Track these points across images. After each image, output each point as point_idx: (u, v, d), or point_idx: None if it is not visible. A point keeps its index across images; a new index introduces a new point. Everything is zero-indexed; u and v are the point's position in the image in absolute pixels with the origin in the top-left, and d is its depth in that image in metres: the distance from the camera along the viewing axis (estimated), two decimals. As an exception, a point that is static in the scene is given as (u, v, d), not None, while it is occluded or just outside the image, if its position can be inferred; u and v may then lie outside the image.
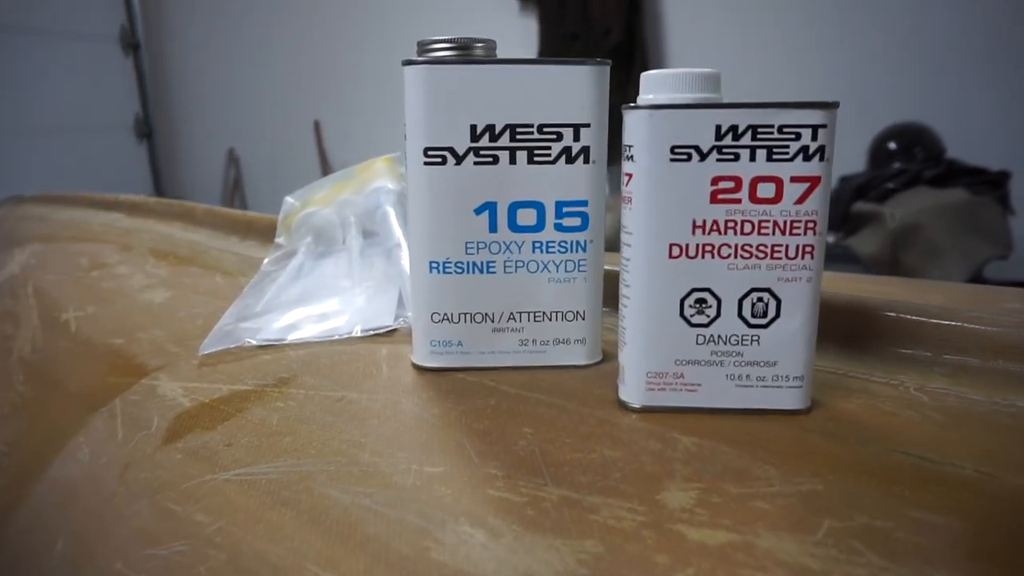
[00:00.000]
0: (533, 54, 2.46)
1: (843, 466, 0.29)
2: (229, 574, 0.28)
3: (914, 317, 0.40)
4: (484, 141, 0.37)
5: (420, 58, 0.37)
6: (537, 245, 0.38)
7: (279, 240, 0.65)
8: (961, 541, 0.24)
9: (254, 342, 0.46)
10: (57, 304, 0.62)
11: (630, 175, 0.32)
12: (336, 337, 0.46)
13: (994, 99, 2.00)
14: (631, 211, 0.32)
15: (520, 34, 2.52)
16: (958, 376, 0.37)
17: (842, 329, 0.42)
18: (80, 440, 0.42)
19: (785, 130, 0.30)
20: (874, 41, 2.08)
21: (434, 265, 0.38)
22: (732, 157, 0.31)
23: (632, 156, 0.32)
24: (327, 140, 2.97)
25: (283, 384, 0.41)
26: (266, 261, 0.61)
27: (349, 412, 0.37)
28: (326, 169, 2.80)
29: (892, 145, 2.04)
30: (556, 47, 2.48)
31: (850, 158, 2.03)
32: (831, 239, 2.05)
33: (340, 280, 0.55)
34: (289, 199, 0.68)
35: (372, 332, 0.46)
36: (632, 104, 0.32)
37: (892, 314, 0.40)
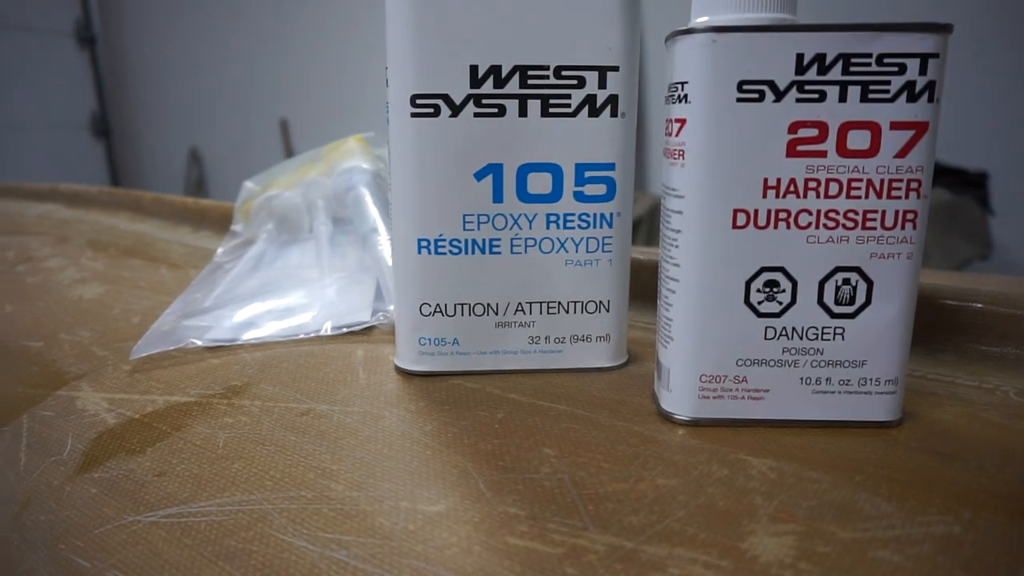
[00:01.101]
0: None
1: (973, 498, 0.22)
2: (147, 663, 0.20)
3: (1002, 309, 0.33)
4: (487, 87, 0.29)
5: (407, -19, 0.29)
6: (552, 219, 0.31)
7: (235, 227, 0.56)
8: None
9: (200, 343, 0.38)
10: (-29, 302, 0.53)
11: (682, 122, 0.25)
12: (302, 336, 0.38)
13: (974, 99, 1.98)
14: (683, 170, 0.25)
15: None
16: (1060, 377, 0.31)
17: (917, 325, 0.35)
18: (-28, 468, 0.33)
19: (886, 61, 0.24)
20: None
21: (424, 244, 0.31)
22: (817, 97, 0.24)
23: (686, 96, 0.25)
24: (295, 140, 2.86)
25: (234, 394, 0.33)
26: (219, 251, 0.53)
27: (317, 430, 0.29)
28: (293, 169, 2.68)
29: (873, 145, 2.02)
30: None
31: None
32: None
33: (307, 271, 0.47)
34: (248, 183, 0.60)
35: (345, 330, 0.38)
36: (683, 29, 0.24)
37: (977, 305, 0.33)
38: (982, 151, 1.92)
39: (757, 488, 0.23)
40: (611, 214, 0.31)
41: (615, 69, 0.30)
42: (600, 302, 0.32)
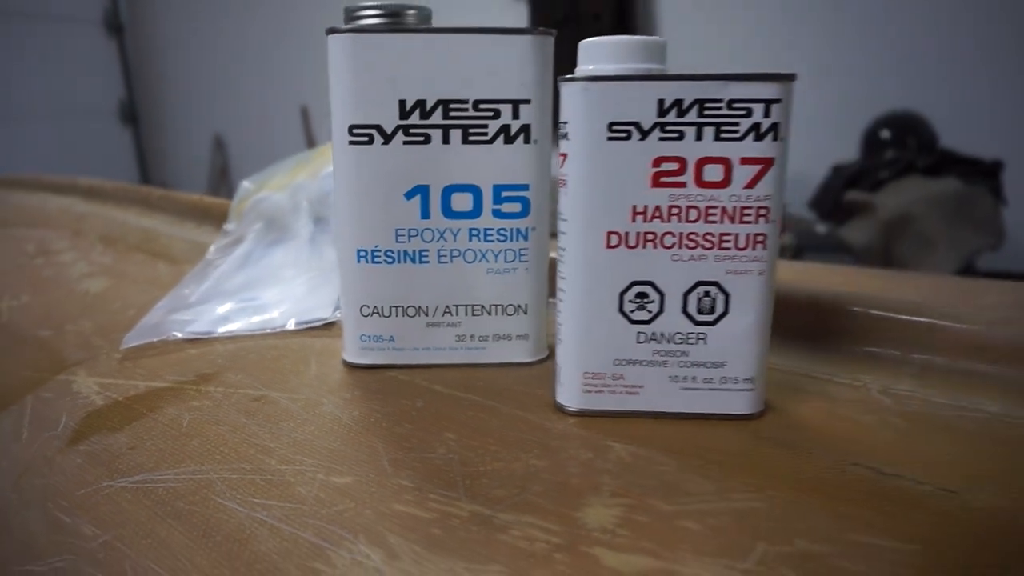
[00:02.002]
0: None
1: (789, 480, 0.26)
2: (104, 596, 0.25)
3: (881, 313, 0.37)
4: (414, 118, 0.34)
5: (345, 26, 0.34)
6: (474, 233, 0.35)
7: (227, 226, 0.61)
8: (915, 573, 0.21)
9: (181, 335, 0.43)
10: (-7, 292, 0.59)
11: (564, 156, 0.29)
12: (268, 331, 0.43)
13: (989, 88, 1.96)
14: (566, 195, 0.29)
15: (512, 20, 2.47)
16: (926, 377, 0.35)
17: (803, 325, 0.39)
18: (-16, 440, 0.39)
19: (735, 105, 0.27)
20: (869, 28, 2.04)
21: (362, 254, 0.35)
22: (676, 136, 0.28)
23: (567, 134, 0.29)
24: (315, 126, 2.92)
25: (204, 381, 0.38)
26: (212, 249, 0.58)
27: (265, 413, 0.34)
28: (314, 155, 2.75)
29: (885, 134, 2.01)
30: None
31: (842, 147, 2.00)
32: (822, 229, 2.03)
33: (286, 269, 0.52)
34: (245, 183, 0.65)
35: (307, 325, 0.43)
36: (566, 76, 0.28)
37: (858, 309, 0.37)
38: (998, 141, 1.90)
39: (610, 469, 0.27)
40: (526, 229, 0.35)
41: (527, 102, 0.34)
42: (518, 305, 0.36)
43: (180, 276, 0.57)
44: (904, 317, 0.37)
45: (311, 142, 2.92)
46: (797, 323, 0.39)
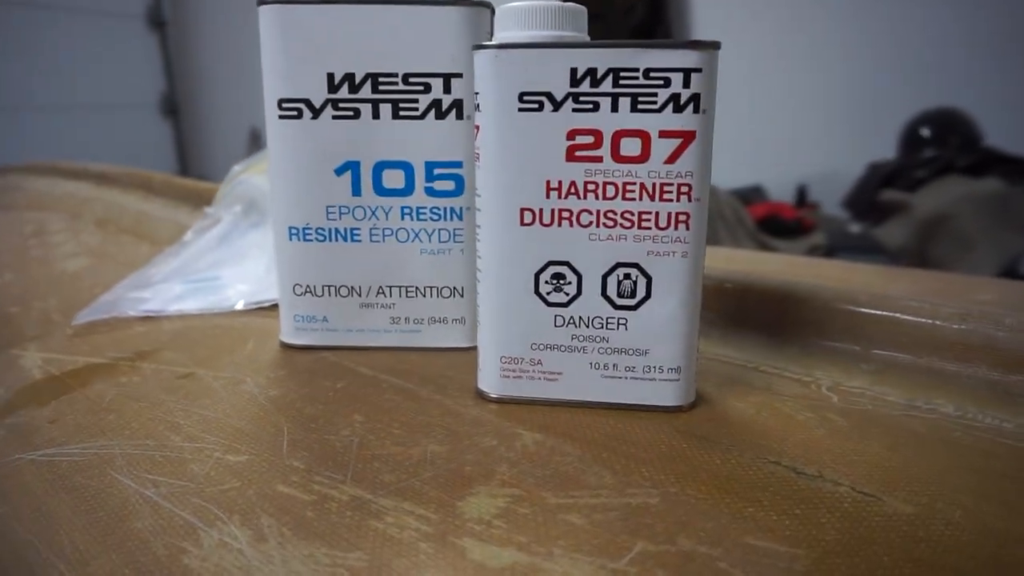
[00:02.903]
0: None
1: (698, 477, 0.24)
2: (-15, 568, 0.25)
3: (843, 306, 0.34)
4: (343, 92, 0.33)
5: (274, -3, 0.33)
6: (407, 211, 0.34)
7: (208, 209, 0.61)
8: (797, 577, 0.19)
9: (134, 313, 0.43)
10: (-18, 270, 0.60)
11: (478, 128, 0.28)
12: (219, 310, 0.43)
13: (1038, 84, 1.87)
14: (480, 170, 0.28)
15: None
16: (884, 374, 0.32)
17: (767, 316, 0.36)
18: (-71, 411, 0.39)
19: (652, 75, 0.26)
20: (908, 22, 1.97)
21: (294, 232, 0.35)
22: (591, 107, 0.26)
23: (479, 105, 0.27)
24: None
25: (140, 358, 0.37)
26: (190, 231, 0.58)
27: (186, 391, 0.33)
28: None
29: (925, 131, 1.93)
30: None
31: (880, 144, 1.93)
32: (856, 229, 1.96)
33: (253, 250, 0.52)
34: (235, 167, 0.65)
35: (256, 305, 0.43)
36: (479, 44, 0.27)
37: (820, 301, 0.35)
38: (1046, 139, 1.81)
39: (510, 458, 0.26)
40: (460, 208, 0.34)
41: (459, 76, 0.32)
42: (454, 288, 0.35)
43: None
44: (866, 310, 0.34)
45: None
46: (757, 314, 0.37)
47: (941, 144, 1.90)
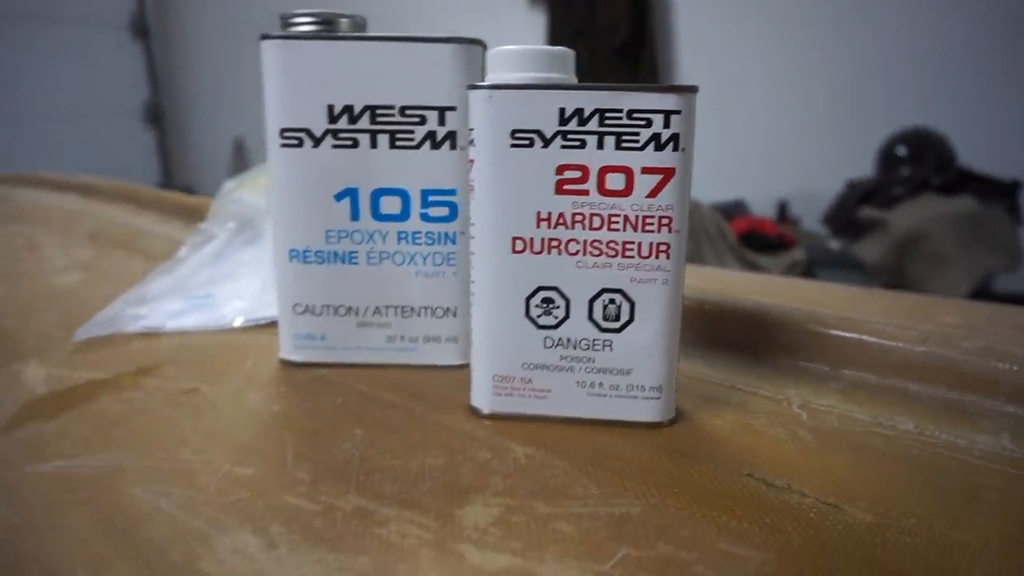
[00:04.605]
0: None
1: (676, 488, 0.26)
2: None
3: (814, 328, 0.37)
4: (343, 123, 0.34)
5: (277, 32, 0.35)
6: (403, 235, 0.36)
7: (202, 225, 0.63)
8: (765, 580, 0.21)
9: (133, 329, 0.44)
10: (-24, 284, 0.61)
11: (472, 161, 0.30)
12: (217, 327, 0.44)
13: (1008, 106, 1.93)
14: (474, 200, 0.30)
15: (528, 30, 2.48)
16: (852, 393, 0.34)
17: (740, 338, 0.39)
18: (-67, 425, 0.40)
19: (635, 115, 0.28)
20: (886, 43, 2.02)
21: (294, 253, 0.36)
22: (578, 144, 0.28)
23: (473, 140, 0.29)
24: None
25: (142, 374, 0.39)
26: (184, 247, 0.59)
27: (191, 406, 0.34)
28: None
29: (901, 150, 1.99)
30: (562, 43, 2.45)
31: (858, 162, 1.98)
32: (835, 245, 2.01)
33: (248, 267, 0.53)
34: (229, 182, 0.67)
35: (254, 323, 0.44)
36: (474, 84, 0.29)
37: (793, 323, 0.37)
38: (1017, 160, 1.87)
39: (502, 471, 0.28)
40: (454, 233, 0.36)
41: (453, 109, 0.34)
42: (448, 308, 0.37)
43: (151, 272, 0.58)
44: (835, 332, 0.36)
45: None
46: (733, 335, 0.39)
47: (917, 163, 1.95)
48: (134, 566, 0.24)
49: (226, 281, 0.51)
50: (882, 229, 1.85)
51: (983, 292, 1.77)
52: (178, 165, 3.47)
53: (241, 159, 3.25)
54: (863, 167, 2.01)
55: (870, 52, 2.05)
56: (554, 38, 2.47)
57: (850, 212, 1.98)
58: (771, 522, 0.24)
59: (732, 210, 2.05)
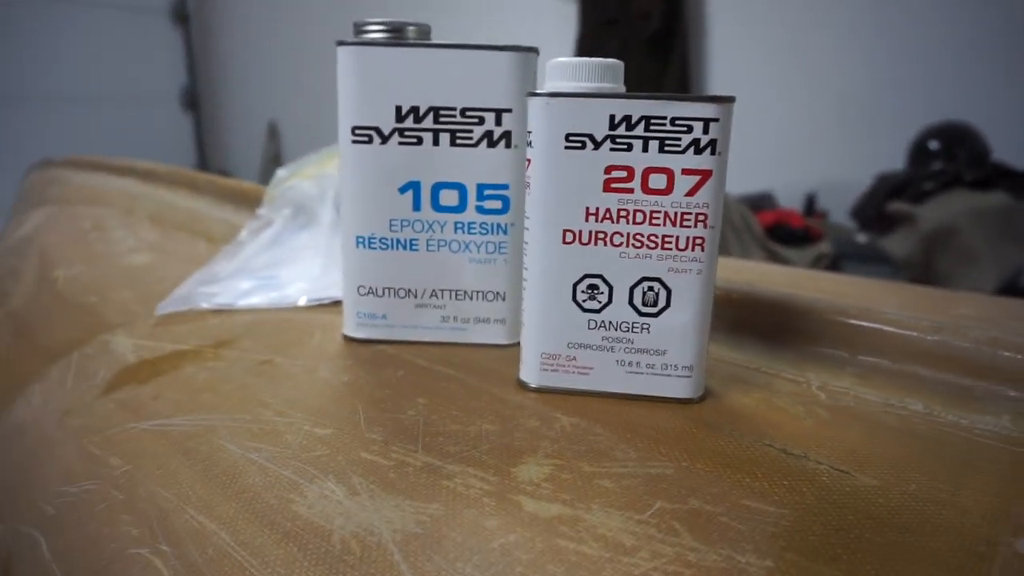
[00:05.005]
0: (572, 40, 2.44)
1: (705, 454, 0.30)
2: (121, 513, 0.31)
3: (835, 317, 0.40)
4: (408, 122, 0.38)
5: (352, 39, 0.38)
6: (459, 226, 0.40)
7: (260, 211, 0.67)
8: (782, 531, 0.25)
9: (207, 305, 0.48)
10: (53, 263, 0.66)
11: (529, 161, 0.33)
12: (283, 305, 0.48)
13: (1046, 100, 1.91)
14: (530, 196, 0.33)
15: (560, 19, 2.50)
16: (868, 377, 0.38)
17: (766, 324, 0.42)
18: (36, 387, 0.45)
19: (677, 122, 0.31)
20: (922, 35, 2.01)
21: (361, 240, 0.40)
22: (625, 147, 0.32)
23: (531, 142, 0.33)
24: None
25: (220, 346, 0.43)
26: (244, 231, 0.64)
27: (268, 375, 0.39)
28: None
29: (933, 145, 1.97)
30: (594, 32, 2.46)
31: (890, 156, 1.97)
32: (863, 239, 2.00)
33: (306, 251, 0.57)
34: (280, 171, 0.71)
35: (316, 302, 0.48)
36: (533, 92, 0.32)
37: (815, 312, 0.40)
38: (1053, 155, 1.85)
39: (551, 436, 0.31)
40: (506, 224, 0.40)
41: (509, 111, 0.38)
42: (497, 292, 0.41)
43: (215, 253, 0.62)
44: (854, 322, 0.39)
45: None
46: (760, 322, 0.42)
47: (949, 158, 1.94)
48: (236, 506, 0.29)
49: (287, 264, 0.55)
50: (911, 223, 1.85)
51: (1011, 288, 1.76)
52: (213, 149, 3.54)
53: (274, 143, 3.32)
54: (895, 161, 2.00)
55: (906, 44, 2.03)
56: (586, 27, 2.49)
57: (879, 206, 1.98)
58: (788, 484, 0.27)
59: (760, 202, 2.06)
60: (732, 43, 2.34)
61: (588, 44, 2.41)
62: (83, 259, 0.65)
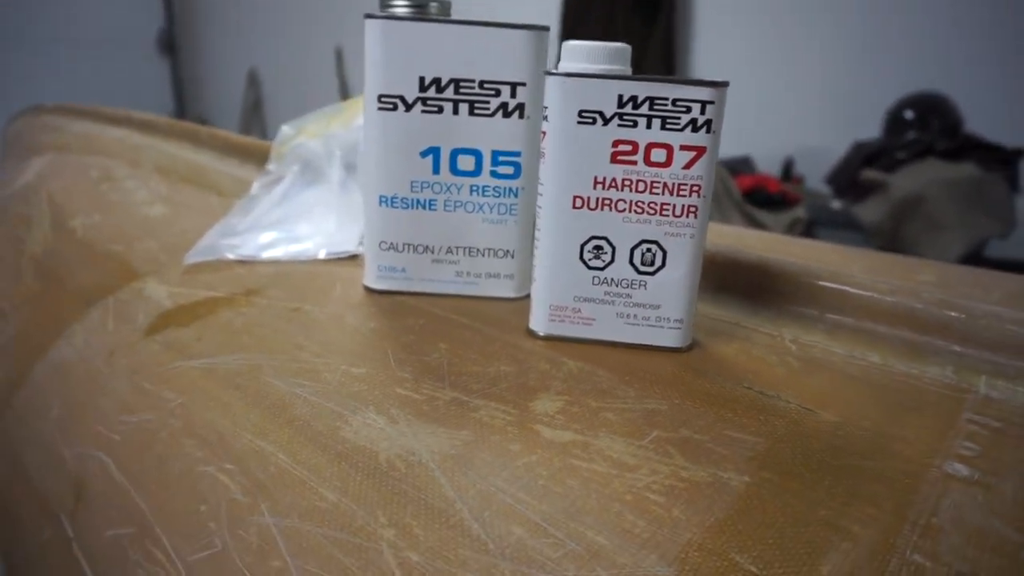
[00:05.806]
0: (557, 7, 2.43)
1: (692, 394, 0.35)
2: (183, 437, 0.35)
3: (806, 279, 0.45)
4: (431, 92, 0.41)
5: (379, 13, 0.41)
6: (474, 188, 0.43)
7: (270, 166, 0.70)
8: (757, 455, 0.30)
9: (232, 256, 0.52)
10: (67, 211, 0.68)
11: (544, 133, 0.37)
12: (304, 258, 0.52)
13: (1020, 73, 1.96)
14: (544, 165, 0.37)
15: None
16: (834, 332, 0.43)
17: (746, 285, 0.47)
18: (76, 328, 0.48)
19: (678, 103, 0.35)
20: (902, 5, 2.04)
21: (383, 199, 0.44)
22: (631, 124, 0.36)
23: (547, 116, 0.37)
24: (348, 70, 2.98)
25: (251, 294, 0.47)
26: (255, 185, 0.67)
27: (300, 321, 0.43)
28: (346, 98, 2.82)
29: (908, 114, 2.03)
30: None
31: (867, 124, 2.02)
32: (837, 205, 2.07)
33: (318, 207, 0.61)
34: (285, 128, 0.73)
35: (335, 256, 0.52)
36: (550, 71, 0.36)
37: (788, 275, 0.45)
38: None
39: (560, 377, 0.36)
40: (517, 188, 0.43)
41: (523, 84, 0.41)
42: (507, 250, 0.45)
43: (228, 207, 0.65)
44: (823, 283, 0.44)
45: (343, 84, 2.97)
46: (741, 282, 0.47)
47: (923, 127, 2.00)
48: (289, 432, 0.33)
49: (301, 219, 0.58)
50: (883, 191, 1.91)
51: (975, 257, 1.84)
52: (191, 95, 3.48)
53: (254, 90, 3.26)
54: (872, 129, 2.06)
55: (886, 14, 2.06)
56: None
57: (853, 173, 2.03)
58: (763, 419, 0.33)
59: (738, 166, 2.11)
60: (716, 9, 2.35)
61: (574, 6, 2.41)
62: (99, 209, 0.67)
